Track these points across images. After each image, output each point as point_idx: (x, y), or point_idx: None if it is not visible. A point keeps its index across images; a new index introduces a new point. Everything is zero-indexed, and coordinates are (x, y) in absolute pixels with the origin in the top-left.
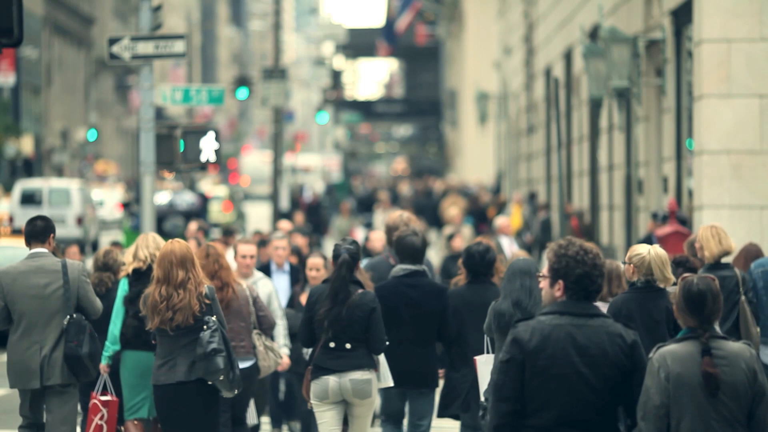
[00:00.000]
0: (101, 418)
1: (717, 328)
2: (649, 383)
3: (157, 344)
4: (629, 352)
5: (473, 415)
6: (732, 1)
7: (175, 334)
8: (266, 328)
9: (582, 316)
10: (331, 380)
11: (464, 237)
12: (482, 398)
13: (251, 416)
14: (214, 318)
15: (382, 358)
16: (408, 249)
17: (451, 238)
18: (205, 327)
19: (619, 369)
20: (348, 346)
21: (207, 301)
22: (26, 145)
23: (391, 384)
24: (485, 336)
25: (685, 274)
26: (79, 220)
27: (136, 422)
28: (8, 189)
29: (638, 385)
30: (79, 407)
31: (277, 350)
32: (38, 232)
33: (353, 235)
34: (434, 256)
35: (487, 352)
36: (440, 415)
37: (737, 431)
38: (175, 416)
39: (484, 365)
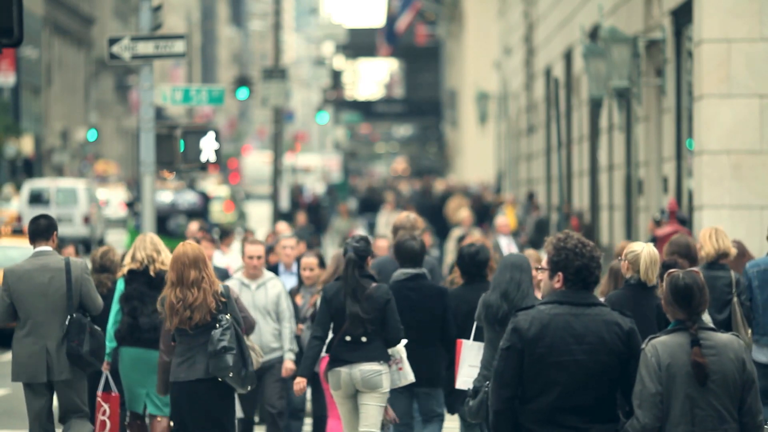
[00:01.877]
0: (104, 414)
1: (708, 318)
2: (643, 372)
3: (176, 343)
4: (626, 339)
5: None
6: (732, 1)
7: (194, 333)
8: (247, 328)
9: (580, 305)
10: (343, 372)
11: (474, 238)
12: (461, 385)
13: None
14: (227, 316)
15: (404, 355)
16: (408, 253)
17: (461, 239)
18: (217, 325)
19: (616, 356)
20: (363, 339)
21: (223, 299)
22: (26, 145)
23: (413, 380)
24: (475, 323)
25: (671, 270)
26: (86, 219)
27: (159, 419)
28: (20, 188)
29: (635, 371)
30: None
31: (258, 350)
32: (42, 230)
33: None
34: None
35: (475, 339)
36: (448, 412)
37: (725, 420)
38: (193, 412)
39: (468, 350)
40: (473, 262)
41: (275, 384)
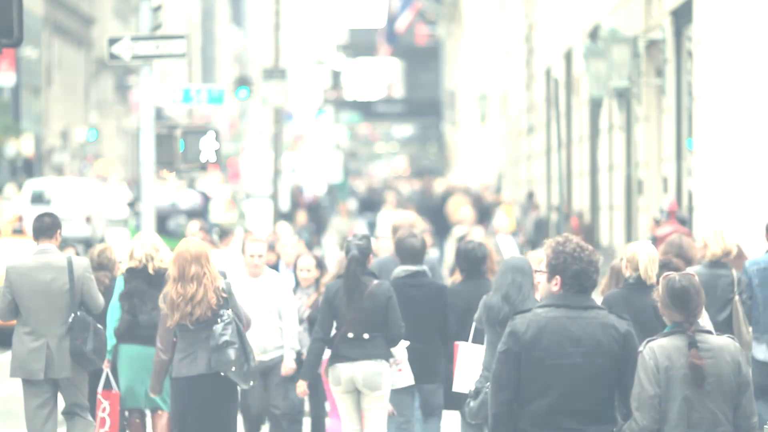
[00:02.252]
0: (104, 411)
1: (706, 314)
2: (642, 375)
3: (177, 339)
4: (622, 342)
5: None
6: (732, 1)
7: (195, 329)
8: (244, 326)
9: (576, 309)
10: (345, 368)
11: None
12: (458, 388)
13: None
14: (229, 311)
15: (405, 356)
16: (408, 250)
17: (462, 239)
18: (219, 320)
19: (612, 358)
20: (366, 336)
21: (224, 295)
22: (26, 145)
23: (412, 382)
24: (474, 325)
25: (667, 273)
26: (87, 219)
27: (160, 412)
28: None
29: (632, 374)
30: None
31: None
32: (46, 227)
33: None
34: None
35: (474, 341)
36: (446, 407)
37: (721, 422)
38: (195, 408)
39: (466, 352)
40: (468, 259)
41: (279, 384)
